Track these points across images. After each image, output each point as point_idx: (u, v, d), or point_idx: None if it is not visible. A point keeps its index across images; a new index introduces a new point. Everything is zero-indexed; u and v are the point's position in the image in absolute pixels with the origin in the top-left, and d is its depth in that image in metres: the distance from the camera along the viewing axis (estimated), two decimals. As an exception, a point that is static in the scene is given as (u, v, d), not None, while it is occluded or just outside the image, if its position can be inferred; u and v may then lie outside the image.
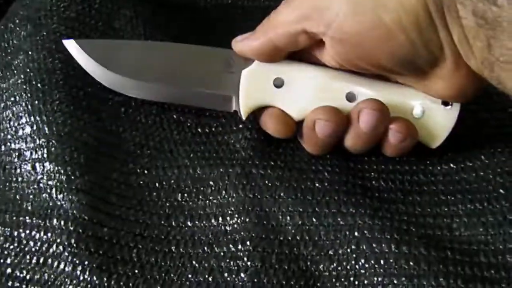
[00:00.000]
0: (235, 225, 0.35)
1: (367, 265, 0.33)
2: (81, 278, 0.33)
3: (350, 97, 0.37)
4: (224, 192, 0.37)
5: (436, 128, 0.37)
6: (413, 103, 0.37)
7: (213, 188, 0.37)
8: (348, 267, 0.34)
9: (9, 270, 0.34)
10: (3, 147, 0.39)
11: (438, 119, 0.37)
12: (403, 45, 0.33)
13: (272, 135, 0.38)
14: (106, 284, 0.33)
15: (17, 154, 0.38)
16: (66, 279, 0.33)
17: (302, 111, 0.37)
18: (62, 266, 0.34)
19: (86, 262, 0.34)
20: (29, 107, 0.39)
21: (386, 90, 0.37)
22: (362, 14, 0.32)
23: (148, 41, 0.43)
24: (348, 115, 0.36)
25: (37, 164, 0.37)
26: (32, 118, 0.38)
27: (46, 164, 0.37)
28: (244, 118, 0.38)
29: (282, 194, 0.36)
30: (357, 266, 0.33)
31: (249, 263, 0.34)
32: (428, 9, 0.31)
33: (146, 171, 0.38)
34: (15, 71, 0.41)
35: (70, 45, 0.39)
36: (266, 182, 0.37)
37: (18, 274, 0.34)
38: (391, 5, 0.32)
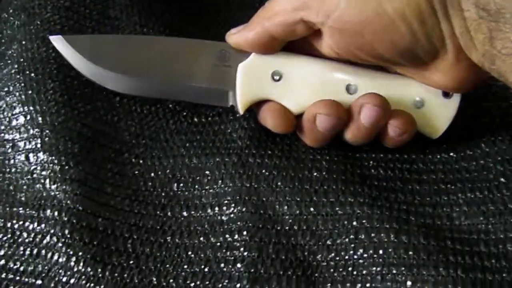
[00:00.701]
0: (232, 215, 0.35)
1: (365, 255, 0.33)
2: (75, 269, 0.33)
3: (350, 90, 0.36)
4: (220, 181, 0.36)
5: (437, 119, 0.37)
6: (413, 94, 0.36)
7: (209, 177, 0.37)
8: (347, 257, 0.33)
9: (2, 262, 0.34)
10: (-4, 138, 0.39)
11: (439, 110, 0.36)
12: (404, 36, 0.32)
13: (272, 130, 0.38)
14: (100, 275, 0.33)
15: (10, 144, 0.38)
16: (60, 270, 0.33)
17: (301, 104, 0.37)
18: (56, 257, 0.33)
19: (80, 253, 0.33)
20: (23, 97, 0.38)
21: (386, 82, 0.36)
22: (364, 3, 0.32)
23: (138, 35, 0.43)
24: (349, 108, 0.36)
25: (30, 155, 0.37)
26: (26, 108, 0.38)
27: (40, 154, 0.37)
28: (241, 113, 0.38)
29: (279, 183, 0.36)
30: (355, 256, 0.33)
31: (245, 253, 0.33)
32: (431, 1, 0.31)
33: (141, 161, 0.38)
34: (9, 61, 0.41)
35: (58, 41, 0.38)
36: (263, 171, 0.36)
37: (11, 265, 0.34)
38: None
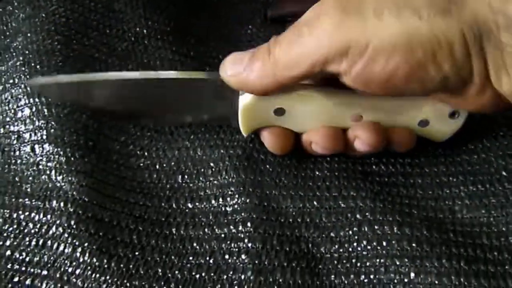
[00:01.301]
0: (236, 206, 0.35)
1: (369, 247, 0.33)
2: (81, 260, 0.33)
3: (355, 119, 0.35)
4: (224, 173, 0.37)
5: (441, 134, 0.37)
6: (419, 117, 0.35)
7: (213, 169, 0.37)
8: (350, 249, 0.33)
9: (8, 252, 0.34)
10: (2, 130, 0.39)
11: (443, 127, 0.36)
12: (433, 78, 0.30)
13: (271, 151, 0.37)
14: (106, 266, 0.33)
15: (16, 136, 0.38)
16: (66, 261, 0.33)
17: (304, 129, 0.36)
18: (61, 248, 0.34)
19: (86, 244, 0.33)
20: (28, 88, 0.38)
21: (392, 110, 0.35)
22: (392, 51, 0.29)
23: (128, 73, 0.38)
24: (346, 133, 0.36)
25: (36, 146, 0.37)
26: (31, 100, 0.38)
27: (46, 145, 0.37)
28: (245, 136, 0.37)
29: (283, 178, 0.36)
30: (359, 248, 0.33)
31: (250, 244, 0.33)
32: (465, 40, 0.29)
33: (146, 153, 0.38)
34: (14, 53, 0.41)
35: (36, 85, 0.37)
36: (267, 166, 0.37)
37: (17, 256, 0.34)
38: (425, 38, 0.29)
